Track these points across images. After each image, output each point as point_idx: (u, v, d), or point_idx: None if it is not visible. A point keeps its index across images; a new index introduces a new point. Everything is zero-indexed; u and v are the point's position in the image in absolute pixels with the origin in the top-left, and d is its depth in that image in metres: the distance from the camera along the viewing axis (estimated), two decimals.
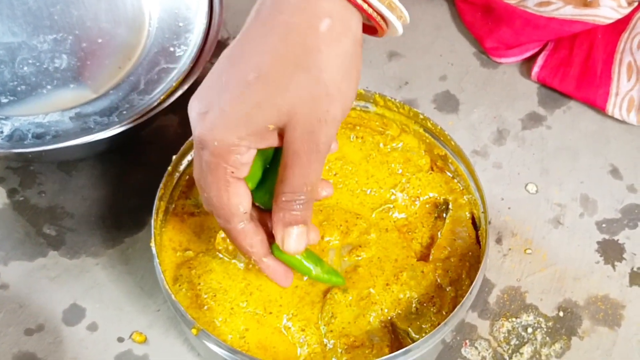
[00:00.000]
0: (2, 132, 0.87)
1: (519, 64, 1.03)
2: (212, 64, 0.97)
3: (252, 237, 0.73)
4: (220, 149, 0.68)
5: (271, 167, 0.74)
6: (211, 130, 0.67)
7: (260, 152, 0.72)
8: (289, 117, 0.67)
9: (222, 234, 0.83)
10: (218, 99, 0.67)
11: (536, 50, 1.03)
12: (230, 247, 0.83)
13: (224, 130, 0.67)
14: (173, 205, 0.86)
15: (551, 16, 0.97)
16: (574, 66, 1.00)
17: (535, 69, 1.01)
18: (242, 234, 0.73)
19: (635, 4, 0.99)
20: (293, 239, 0.72)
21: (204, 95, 0.69)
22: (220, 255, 0.83)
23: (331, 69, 0.67)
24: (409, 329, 0.80)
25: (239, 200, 0.71)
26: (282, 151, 0.69)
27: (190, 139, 0.86)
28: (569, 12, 0.97)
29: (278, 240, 0.72)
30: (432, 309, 0.81)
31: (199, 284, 0.82)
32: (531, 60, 1.02)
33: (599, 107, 0.98)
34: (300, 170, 0.68)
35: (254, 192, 0.73)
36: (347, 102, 0.69)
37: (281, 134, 0.68)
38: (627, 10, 0.97)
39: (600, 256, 0.91)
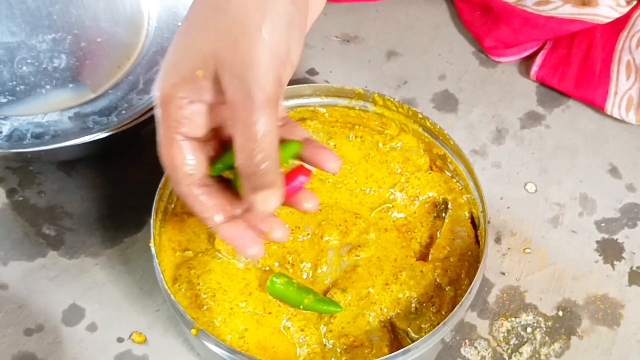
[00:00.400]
0: (1, 132, 0.87)
1: (518, 63, 1.03)
2: None
3: (205, 202, 0.70)
4: (161, 100, 0.68)
5: None
6: (155, 83, 0.68)
7: None
8: (215, 62, 0.65)
9: None
10: (166, 54, 0.69)
11: (535, 49, 1.03)
12: (230, 247, 0.83)
13: (161, 80, 0.68)
14: (172, 205, 0.86)
15: (550, 15, 0.97)
16: (573, 65, 1.00)
17: (534, 68, 1.01)
18: (192, 197, 0.70)
19: (634, 2, 0.99)
20: (259, 203, 0.68)
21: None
22: (220, 256, 0.83)
23: (248, 8, 0.65)
24: (409, 328, 0.80)
25: (183, 159, 0.69)
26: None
27: None
28: (568, 11, 0.97)
29: (249, 200, 0.68)
30: (431, 309, 0.81)
31: (199, 284, 0.82)
32: (530, 59, 1.02)
33: (597, 106, 0.98)
34: (242, 126, 0.65)
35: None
36: (276, 47, 0.65)
37: (213, 80, 0.67)
38: (625, 9, 0.97)
39: (600, 255, 0.91)
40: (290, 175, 0.75)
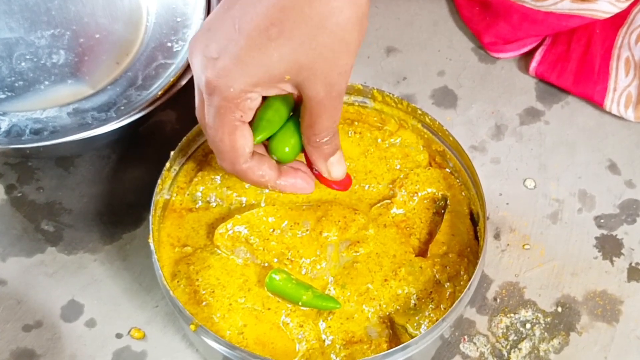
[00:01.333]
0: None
1: (517, 59, 1.03)
2: None
3: (260, 168, 0.76)
4: (234, 95, 0.70)
5: (286, 123, 0.77)
6: (226, 76, 0.70)
7: (277, 108, 0.75)
8: (310, 72, 0.70)
9: (220, 230, 0.83)
10: (233, 46, 0.69)
11: (534, 45, 1.02)
12: (229, 243, 0.83)
13: (240, 78, 0.70)
14: (171, 201, 0.86)
15: (549, 11, 0.97)
16: (572, 61, 1.00)
17: (533, 64, 1.01)
18: (250, 170, 0.76)
19: None
20: (336, 166, 0.78)
21: (212, 40, 0.70)
22: (219, 252, 0.83)
23: (351, 29, 0.70)
24: (408, 324, 0.80)
25: (245, 142, 0.74)
26: (303, 101, 0.72)
27: (187, 135, 0.85)
28: (567, 6, 0.97)
29: (324, 173, 0.78)
30: (430, 305, 0.81)
31: (197, 280, 0.82)
32: (529, 55, 1.02)
33: (596, 103, 0.98)
34: (328, 115, 0.73)
35: (269, 145, 0.77)
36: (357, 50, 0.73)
37: (295, 84, 0.71)
38: (625, 5, 0.97)
39: (599, 251, 0.91)
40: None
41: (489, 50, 1.03)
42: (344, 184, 0.81)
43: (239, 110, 0.72)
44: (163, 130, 0.97)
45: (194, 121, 0.86)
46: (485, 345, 0.86)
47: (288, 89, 0.72)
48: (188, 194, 0.86)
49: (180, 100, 0.96)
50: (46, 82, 0.92)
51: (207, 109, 0.73)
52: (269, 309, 0.81)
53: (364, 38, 0.71)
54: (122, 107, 0.89)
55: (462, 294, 0.78)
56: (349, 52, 0.71)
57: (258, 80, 0.70)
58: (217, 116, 0.72)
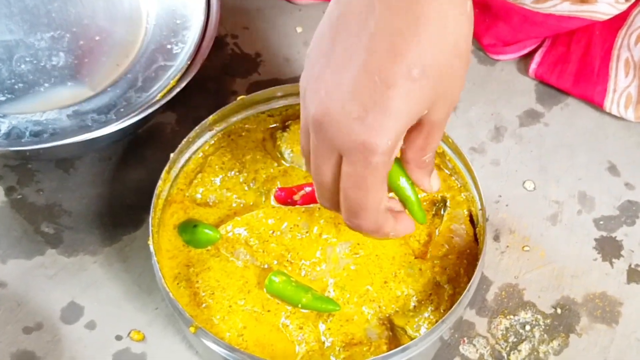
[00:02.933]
0: None
1: (517, 61, 1.03)
2: (210, 61, 0.98)
3: (391, 223, 0.72)
4: (390, 148, 0.65)
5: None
6: (379, 132, 0.64)
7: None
8: (441, 97, 0.66)
9: (220, 232, 0.83)
10: (379, 97, 0.64)
11: (534, 47, 1.02)
12: (229, 245, 0.83)
13: (393, 129, 0.65)
14: (171, 203, 0.86)
15: (548, 12, 0.97)
16: (572, 63, 1.00)
17: (533, 65, 1.01)
18: (386, 225, 0.71)
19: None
20: (435, 178, 0.74)
21: (354, 97, 0.65)
22: (219, 253, 0.83)
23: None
24: (407, 326, 0.80)
25: (384, 195, 0.70)
26: (419, 127, 0.68)
27: (187, 137, 0.85)
28: (567, 8, 0.97)
29: (427, 189, 0.73)
30: (430, 307, 0.81)
31: (197, 282, 0.82)
32: (529, 57, 1.02)
33: (596, 104, 0.98)
34: (439, 136, 0.69)
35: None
36: None
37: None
38: (624, 6, 0.97)
39: (598, 253, 0.91)
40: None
41: (488, 52, 1.03)
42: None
43: (390, 162, 0.67)
44: (163, 132, 0.97)
45: (194, 123, 0.86)
46: (485, 347, 0.86)
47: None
48: (188, 196, 0.86)
49: (180, 102, 0.96)
50: (46, 85, 0.92)
51: (350, 172, 0.67)
52: (268, 310, 0.81)
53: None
54: (122, 109, 0.89)
55: (462, 296, 0.79)
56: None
57: (406, 125, 0.65)
58: (373, 176, 0.66)
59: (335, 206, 0.71)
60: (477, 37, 1.03)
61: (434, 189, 0.74)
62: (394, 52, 0.64)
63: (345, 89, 0.65)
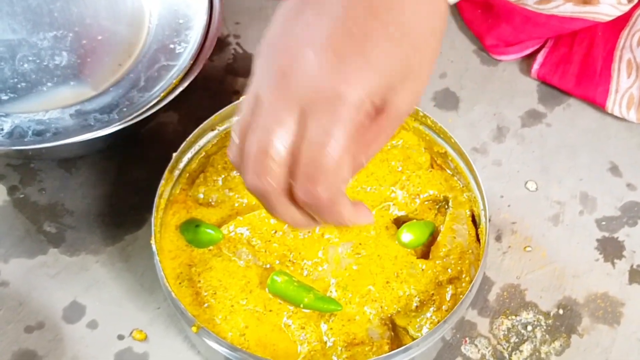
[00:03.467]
0: (2, 129, 0.87)
1: (519, 61, 1.03)
2: (212, 61, 0.98)
3: (349, 206, 0.65)
4: (361, 102, 0.61)
5: None
6: (353, 81, 0.61)
7: None
8: (407, 77, 0.63)
9: (222, 231, 0.83)
10: (356, 47, 0.61)
11: (536, 47, 1.02)
12: (231, 245, 0.83)
13: (367, 80, 0.61)
14: (173, 203, 0.86)
15: (551, 13, 0.97)
16: (574, 63, 1.00)
17: (535, 66, 1.01)
18: (344, 203, 0.65)
19: (635, 1, 0.99)
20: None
21: (328, 46, 0.61)
22: (221, 253, 0.83)
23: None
24: (409, 326, 0.80)
25: (349, 165, 0.63)
26: (383, 115, 0.64)
27: (190, 137, 0.86)
28: (569, 9, 0.97)
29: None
30: (432, 307, 0.81)
31: (199, 281, 0.82)
32: (531, 57, 1.02)
33: (598, 105, 0.98)
34: (391, 131, 0.66)
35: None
36: None
37: (388, 94, 0.63)
38: (627, 7, 0.97)
39: (600, 254, 0.91)
40: None
41: (490, 52, 1.03)
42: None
43: (356, 124, 0.61)
44: (165, 131, 0.97)
45: (196, 122, 0.86)
46: (487, 347, 0.86)
47: (377, 102, 0.63)
48: (190, 196, 0.87)
49: (182, 102, 0.96)
50: (49, 84, 0.92)
51: (312, 127, 0.61)
52: (270, 310, 0.81)
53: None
54: (125, 109, 0.89)
55: (464, 296, 0.79)
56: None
57: (378, 85, 0.61)
58: (336, 129, 0.60)
59: (281, 180, 0.64)
60: (479, 38, 1.04)
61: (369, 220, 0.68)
62: (371, 9, 0.61)
63: (318, 40, 0.61)
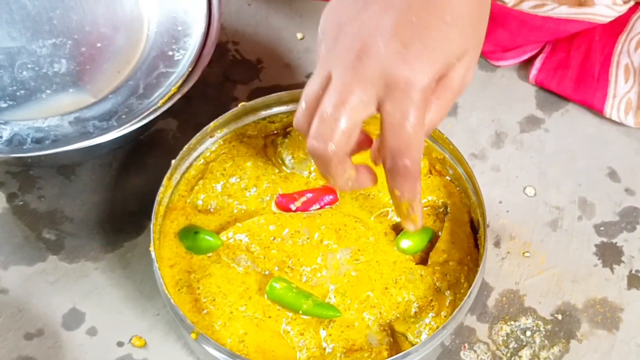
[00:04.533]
0: (1, 136, 0.87)
1: (517, 67, 1.03)
2: (211, 68, 0.98)
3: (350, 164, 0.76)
4: (428, 86, 0.70)
5: None
6: (419, 68, 0.70)
7: None
8: (464, 54, 0.73)
9: (221, 238, 0.83)
10: (418, 36, 0.70)
11: (534, 52, 1.03)
12: (230, 251, 0.83)
13: (430, 66, 0.70)
14: (172, 209, 0.86)
15: (547, 15, 0.97)
16: (572, 68, 1.00)
17: (533, 71, 1.01)
18: (347, 158, 0.74)
19: (632, 2, 0.99)
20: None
21: (395, 35, 0.70)
22: (220, 260, 0.84)
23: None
24: (408, 332, 0.80)
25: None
26: (440, 86, 0.73)
27: (189, 144, 0.86)
28: (564, 11, 0.97)
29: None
30: (430, 313, 0.81)
31: (198, 288, 0.82)
32: (529, 63, 1.02)
33: (596, 110, 0.99)
34: (451, 102, 0.74)
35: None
36: None
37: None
38: (623, 8, 0.97)
39: (599, 259, 0.91)
40: (317, 195, 0.86)
41: (488, 58, 1.03)
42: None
43: (425, 101, 0.71)
44: (164, 138, 0.97)
45: (195, 129, 0.87)
46: (486, 353, 0.86)
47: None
48: (189, 202, 0.87)
49: (181, 109, 0.97)
50: (48, 91, 0.92)
51: (392, 109, 0.70)
52: (269, 317, 0.81)
53: None
54: (124, 116, 0.89)
55: (463, 302, 0.79)
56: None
57: (441, 66, 0.71)
58: (413, 110, 0.70)
59: (344, 148, 0.72)
60: None
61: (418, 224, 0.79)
62: (428, 1, 0.70)
63: (386, 29, 0.70)
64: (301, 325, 0.81)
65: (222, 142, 0.89)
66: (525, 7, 0.98)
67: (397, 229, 0.86)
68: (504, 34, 1.00)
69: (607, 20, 0.97)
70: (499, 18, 1.00)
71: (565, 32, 0.99)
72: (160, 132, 0.97)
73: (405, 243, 0.84)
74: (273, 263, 0.83)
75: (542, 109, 1.00)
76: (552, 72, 1.01)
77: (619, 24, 1.00)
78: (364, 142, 0.77)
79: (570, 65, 1.00)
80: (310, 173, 0.88)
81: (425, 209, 0.87)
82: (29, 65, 0.93)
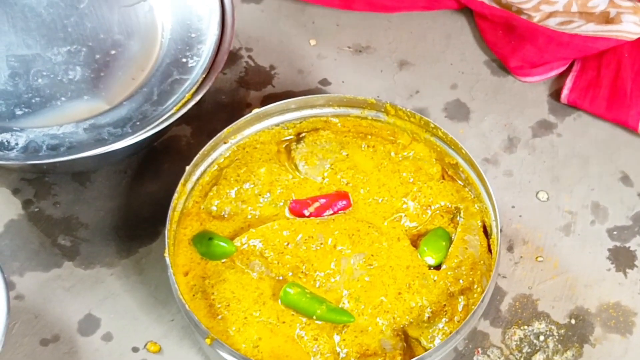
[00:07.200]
0: (17, 144, 0.88)
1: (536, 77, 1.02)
2: (225, 74, 0.98)
3: None
4: None
5: None
6: None
7: None
8: None
9: (235, 243, 0.84)
10: None
11: (562, 69, 1.01)
12: (244, 257, 0.84)
13: None
14: (187, 215, 0.87)
15: (574, 33, 0.97)
16: (603, 87, 0.99)
17: (565, 91, 1.00)
18: None
19: None
20: None
21: None
22: (234, 265, 0.84)
23: None
24: (421, 337, 0.80)
25: None
26: None
27: (202, 150, 0.86)
28: (592, 28, 0.96)
29: None
30: (444, 318, 0.81)
31: (213, 293, 0.82)
32: (558, 79, 1.01)
33: (631, 128, 0.97)
34: None
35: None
36: None
37: None
38: None
39: (612, 263, 0.91)
40: (330, 200, 0.86)
41: (515, 74, 1.02)
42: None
43: None
44: (178, 145, 0.98)
45: (209, 136, 0.87)
46: (499, 358, 0.86)
47: None
48: (203, 208, 0.87)
49: (195, 115, 0.97)
50: (63, 98, 0.92)
51: None
52: (283, 322, 0.81)
53: None
54: (138, 123, 0.90)
55: (476, 307, 0.79)
56: None
57: None
58: None
59: None
60: (503, 60, 1.02)
61: None
62: None
63: None
64: (315, 330, 0.81)
65: (235, 148, 0.90)
66: (552, 23, 0.98)
67: (411, 235, 0.86)
68: (531, 49, 0.99)
69: (635, 37, 0.97)
70: (527, 34, 0.99)
71: (594, 49, 0.98)
72: (174, 138, 0.98)
73: (430, 260, 0.84)
74: (287, 268, 0.83)
75: (554, 114, 1.00)
76: (584, 91, 0.99)
77: None
78: None
79: (602, 84, 0.99)
80: (323, 179, 0.88)
81: (438, 213, 0.87)
82: (44, 73, 0.93)
